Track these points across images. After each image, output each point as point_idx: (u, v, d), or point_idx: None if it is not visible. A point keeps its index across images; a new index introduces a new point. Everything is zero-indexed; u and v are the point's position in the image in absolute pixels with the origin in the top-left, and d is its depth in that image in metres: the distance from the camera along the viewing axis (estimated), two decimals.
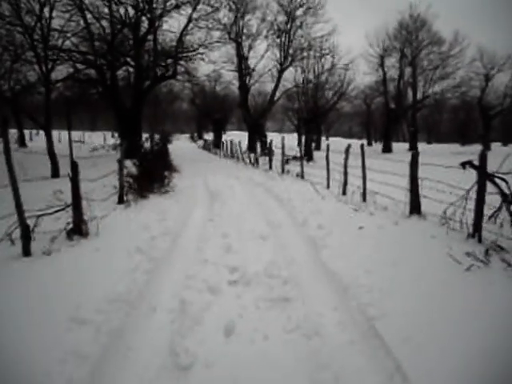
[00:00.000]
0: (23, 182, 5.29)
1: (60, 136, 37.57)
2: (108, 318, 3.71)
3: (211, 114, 46.18)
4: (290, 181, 12.73)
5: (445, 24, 45.28)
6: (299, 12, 31.04)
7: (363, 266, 4.82)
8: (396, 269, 4.68)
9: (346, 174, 9.74)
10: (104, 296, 4.08)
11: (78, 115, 36.95)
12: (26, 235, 5.11)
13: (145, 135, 22.53)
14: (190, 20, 24.45)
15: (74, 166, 6.09)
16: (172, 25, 32.73)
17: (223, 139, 39.56)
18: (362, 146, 9.07)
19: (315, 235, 6.27)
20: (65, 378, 2.89)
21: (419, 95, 38.04)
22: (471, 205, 5.57)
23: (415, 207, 6.95)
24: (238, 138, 32.44)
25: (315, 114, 28.41)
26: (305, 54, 30.36)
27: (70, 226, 6.00)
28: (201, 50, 24.88)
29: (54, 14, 19.23)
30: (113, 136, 53.36)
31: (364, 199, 8.63)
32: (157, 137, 15.65)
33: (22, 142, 35.39)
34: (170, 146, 22.18)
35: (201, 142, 50.49)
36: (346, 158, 9.83)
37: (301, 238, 6.36)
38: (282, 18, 31.21)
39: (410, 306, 3.81)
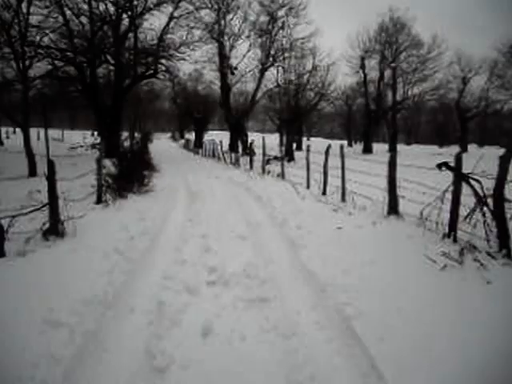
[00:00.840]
0: None
1: (38, 134, 36.94)
2: (83, 320, 3.65)
3: (192, 113, 45.97)
4: (270, 181, 12.77)
5: (424, 27, 46.10)
6: (281, 12, 31.19)
7: (341, 265, 4.86)
8: (373, 268, 4.73)
9: (325, 174, 9.81)
10: (79, 297, 4.01)
11: (57, 113, 36.37)
12: (0, 236, 5.00)
13: (125, 134, 22.31)
14: (171, 18, 24.33)
15: (51, 165, 5.99)
16: (153, 23, 32.36)
17: (204, 139, 39.47)
18: (341, 147, 9.15)
19: (294, 235, 6.29)
20: (37, 382, 2.83)
21: (399, 97, 38.64)
22: (447, 205, 5.67)
23: (393, 208, 7.04)
24: (219, 137, 32.37)
25: (296, 115, 28.55)
26: (286, 54, 30.51)
27: (46, 226, 5.89)
28: (182, 48, 24.74)
29: (32, 9, 18.86)
30: (92, 135, 52.67)
31: (343, 199, 8.70)
32: (137, 136, 15.49)
33: None
34: (150, 146, 22.00)
35: (182, 142, 50.25)
36: (326, 159, 9.90)
37: (280, 238, 6.38)
38: (264, 18, 31.34)
39: (386, 305, 3.86)
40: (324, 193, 9.66)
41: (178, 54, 24.87)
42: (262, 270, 4.88)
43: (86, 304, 3.93)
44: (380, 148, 39.34)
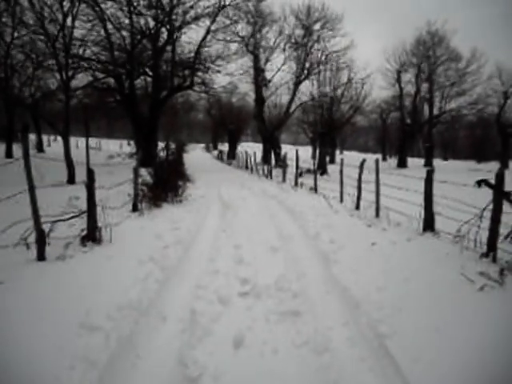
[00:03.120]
0: (39, 188, 5.38)
1: (77, 142, 38.18)
2: (118, 325, 3.73)
3: (226, 125, 46.53)
4: (303, 194, 12.72)
5: (462, 41, 45.28)
6: (317, 26, 31.30)
7: (375, 282, 4.78)
8: (408, 286, 4.63)
9: (359, 188, 9.70)
10: (115, 303, 4.10)
11: (95, 122, 37.49)
12: (41, 240, 5.19)
13: (161, 144, 22.76)
14: (208, 32, 24.78)
15: (90, 173, 6.17)
16: (190, 36, 33.16)
17: (238, 150, 39.79)
18: (376, 161, 9.04)
19: (327, 249, 6.24)
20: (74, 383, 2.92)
21: (435, 111, 37.87)
22: (486, 224, 5.50)
23: (429, 224, 6.88)
24: (252, 149, 32.57)
25: (330, 128, 28.39)
26: (321, 67, 30.48)
27: (84, 232, 6.07)
28: (218, 61, 25.15)
29: (77, 23, 19.69)
30: (129, 144, 53.99)
31: (377, 214, 8.57)
32: (172, 146, 15.77)
33: (40, 147, 36.01)
34: (185, 156, 22.34)
35: (215, 153, 50.82)
36: (361, 173, 9.80)
37: (312, 251, 6.33)
38: (299, 31, 31.50)
39: (422, 324, 3.76)
40: (357, 207, 9.55)
41: (214, 67, 25.31)
42: (294, 283, 4.86)
43: (121, 310, 4.01)
44: (415, 163, 38.58)
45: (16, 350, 3.21)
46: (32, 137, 41.23)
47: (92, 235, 6.03)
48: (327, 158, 30.31)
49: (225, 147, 50.44)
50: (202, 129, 61.00)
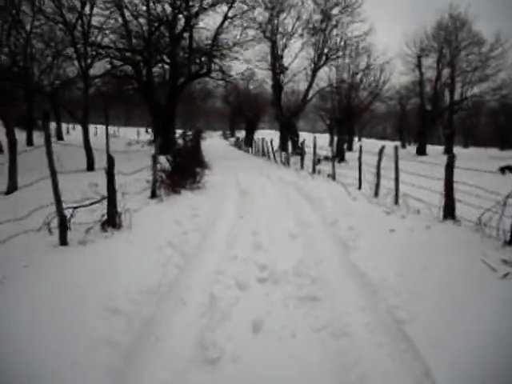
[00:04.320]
0: (60, 174, 5.47)
1: (96, 130, 38.60)
2: (139, 309, 3.81)
3: (244, 112, 46.41)
4: (321, 181, 12.66)
5: (486, 25, 43.97)
6: (335, 11, 30.74)
7: (393, 268, 4.76)
8: (427, 272, 4.59)
9: (378, 175, 9.61)
10: (136, 287, 4.18)
11: (113, 110, 37.76)
12: (64, 225, 5.28)
13: (178, 131, 22.86)
14: (225, 18, 24.60)
15: (110, 160, 6.25)
16: (207, 23, 32.75)
17: (255, 137, 39.73)
18: (395, 148, 8.92)
19: (345, 236, 6.23)
20: (99, 364, 2.99)
21: (457, 97, 37.06)
22: (510, 211, 5.40)
23: (449, 212, 6.79)
24: (269, 136, 32.48)
25: (348, 115, 28.11)
26: (340, 53, 30.07)
27: (105, 217, 6.16)
28: (235, 48, 24.98)
29: (94, 11, 19.77)
30: (146, 131, 54.37)
31: (396, 202, 8.49)
32: (190, 133, 15.85)
33: (59, 135, 36.49)
34: (202, 143, 22.43)
35: (233, 140, 50.82)
36: (380, 160, 9.69)
37: (331, 238, 6.33)
38: (317, 16, 30.99)
39: (441, 310, 3.74)
40: (376, 194, 9.46)
41: (232, 54, 25.18)
42: (312, 269, 4.87)
43: (142, 294, 4.09)
44: (435, 150, 37.96)
45: (41, 331, 3.30)
46: (51, 125, 41.82)
47: (112, 221, 6.12)
48: (345, 145, 30.05)
49: (242, 134, 50.39)
50: (219, 116, 60.89)
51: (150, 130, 49.87)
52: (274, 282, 4.56)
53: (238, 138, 47.06)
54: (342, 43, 30.13)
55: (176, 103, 26.09)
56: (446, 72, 36.56)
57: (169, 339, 3.46)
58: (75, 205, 5.99)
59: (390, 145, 12.04)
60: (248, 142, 41.37)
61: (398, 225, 6.62)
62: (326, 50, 30.99)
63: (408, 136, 55.00)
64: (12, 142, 10.92)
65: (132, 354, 3.21)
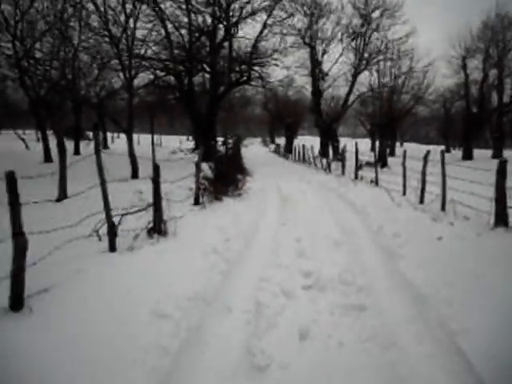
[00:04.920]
0: (107, 182, 5.64)
1: (139, 139, 39.67)
2: (186, 315, 3.87)
3: (283, 119, 46.46)
4: (363, 187, 12.47)
5: None
6: (375, 14, 30.31)
7: (443, 277, 4.62)
8: (478, 282, 4.42)
9: (424, 181, 9.35)
10: (182, 293, 4.26)
11: (156, 119, 38.75)
12: (112, 232, 5.46)
13: (219, 139, 23.16)
14: (264, 26, 24.81)
15: (156, 168, 6.40)
16: (247, 31, 33.17)
17: (295, 144, 39.64)
18: (442, 153, 8.67)
19: (391, 243, 6.10)
20: (148, 367, 3.06)
21: (506, 98, 35.55)
22: None
23: (501, 219, 6.51)
24: (309, 142, 32.32)
25: (390, 119, 27.56)
26: (381, 57, 29.57)
27: (151, 224, 6.31)
28: (275, 55, 25.12)
29: (138, 24, 20.45)
30: (188, 139, 55.44)
31: (443, 208, 8.23)
32: (230, 141, 16.02)
33: (104, 144, 37.81)
34: (242, 150, 22.61)
35: (272, 147, 50.93)
36: (425, 165, 9.43)
37: (376, 245, 6.21)
38: (357, 20, 30.67)
39: (496, 322, 3.59)
40: (421, 201, 9.21)
41: (271, 61, 25.32)
42: (358, 277, 4.79)
43: (189, 300, 4.16)
44: (482, 154, 36.51)
45: (92, 333, 3.41)
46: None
47: (158, 227, 6.26)
48: (387, 151, 29.46)
49: (281, 141, 50.42)
50: (258, 123, 61.25)
51: (191, 138, 50.90)
52: (320, 289, 4.51)
53: (277, 145, 47.10)
54: (383, 46, 29.65)
55: (216, 111, 26.48)
56: (492, 73, 35.18)
57: (216, 345, 3.49)
58: (122, 212, 6.17)
59: (433, 149, 11.72)
60: (288, 148, 41.35)
61: (446, 232, 6.42)
62: (366, 54, 30.61)
63: (453, 140, 53.21)
64: (62, 152, 11.40)
65: (180, 359, 3.26)
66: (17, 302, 3.78)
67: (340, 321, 3.83)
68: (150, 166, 8.00)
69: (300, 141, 43.84)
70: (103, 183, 5.38)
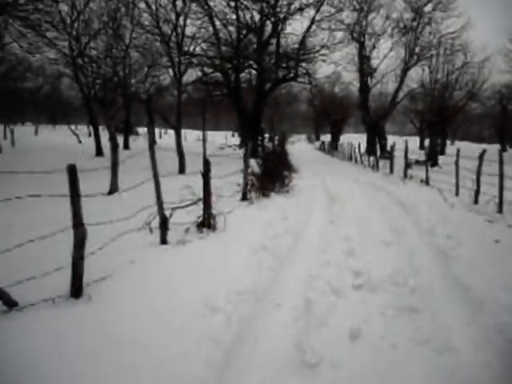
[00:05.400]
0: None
1: (185, 135, 40.41)
2: (237, 309, 3.92)
3: (329, 115, 45.96)
4: (413, 186, 12.12)
5: None
6: (428, 8, 29.27)
7: (501, 282, 4.42)
8: None
9: (478, 181, 8.98)
10: (233, 287, 4.31)
11: (203, 115, 39.28)
12: (164, 225, 5.60)
13: (266, 135, 23.20)
14: (312, 22, 24.58)
15: (207, 164, 6.50)
16: (295, 27, 32.79)
17: (340, 141, 39.13)
18: (500, 152, 8.29)
19: (444, 245, 5.90)
20: (202, 358, 3.12)
21: None
22: None
23: None
24: (355, 140, 31.80)
25: (441, 116, 26.61)
26: (433, 51, 28.57)
27: (200, 219, 6.42)
28: (322, 51, 24.84)
29: (187, 22, 20.79)
30: (233, 136, 55.93)
31: (500, 210, 7.87)
32: (276, 137, 16.02)
33: (152, 139, 38.78)
34: (288, 147, 22.56)
35: (317, 144, 50.53)
36: (480, 164, 9.06)
37: (428, 246, 6.02)
38: (408, 15, 29.76)
39: None
40: (476, 202, 8.85)
41: (319, 57, 25.07)
42: (410, 279, 4.67)
43: (239, 294, 4.20)
44: None
45: (146, 322, 3.52)
46: (144, 130, 44.65)
47: (207, 222, 6.37)
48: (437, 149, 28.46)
49: (327, 138, 49.90)
50: (303, 120, 60.90)
51: (236, 135, 51.36)
52: (370, 289, 4.44)
53: (323, 142, 46.65)
54: (436, 41, 28.62)
55: (263, 108, 26.53)
56: None
57: (266, 340, 3.50)
58: (173, 206, 6.31)
59: (488, 148, 11.23)
60: (333, 145, 40.85)
61: (504, 235, 6.14)
62: (417, 49, 29.69)
63: (509, 138, 50.65)
64: (114, 147, 11.79)
65: (232, 351, 3.30)
66: (77, 289, 3.96)
67: (392, 322, 3.75)
68: (197, 162, 8.15)
69: (345, 138, 43.27)
70: (156, 177, 5.52)
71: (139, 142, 40.28)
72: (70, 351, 3.06)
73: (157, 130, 45.19)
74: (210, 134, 51.00)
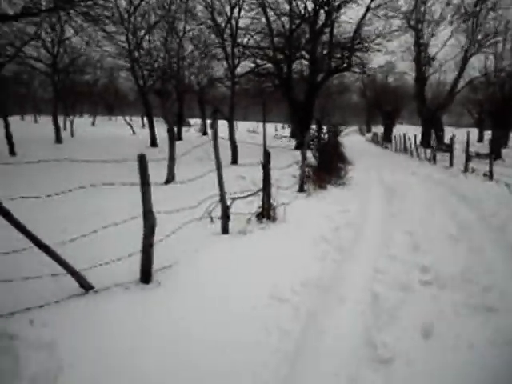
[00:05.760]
0: (209, 167, 5.82)
1: (237, 125, 40.74)
2: (304, 300, 3.90)
3: (382, 106, 44.75)
4: (475, 180, 11.57)
5: None
6: None
7: None
8: None
9: None
10: (297, 278, 4.29)
11: (253, 107, 39.46)
12: (226, 215, 5.66)
13: (313, 127, 22.94)
14: (368, 9, 23.91)
15: (267, 155, 6.50)
16: (349, 16, 31.89)
17: (394, 133, 38.04)
18: None
19: None
20: (273, 347, 3.14)
21: None
22: None
23: None
24: (408, 131, 30.80)
25: (505, 107, 25.15)
26: (498, 38, 27.00)
27: (260, 210, 6.44)
28: (378, 40, 24.13)
29: (241, 13, 20.83)
30: (283, 127, 55.75)
31: None
32: (326, 129, 15.76)
33: (204, 130, 39.44)
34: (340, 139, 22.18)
35: (369, 135, 49.42)
36: None
37: (499, 243, 5.71)
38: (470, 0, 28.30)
39: None
40: None
41: (374, 46, 24.40)
42: (482, 277, 4.46)
43: (304, 285, 4.19)
44: None
45: (214, 309, 3.58)
46: (197, 121, 45.45)
47: (267, 213, 6.38)
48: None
49: (379, 130, 48.67)
50: (354, 111, 59.66)
51: (286, 126, 51.17)
52: (440, 286, 4.27)
53: (374, 134, 45.52)
54: (502, 26, 26.99)
55: (314, 99, 26.20)
56: None
57: (334, 332, 3.47)
58: (234, 196, 6.37)
59: None
60: (386, 137, 39.77)
61: None
62: (479, 36, 28.19)
63: None
64: (171, 138, 12.05)
65: (301, 342, 3.29)
66: (146, 275, 4.08)
67: (467, 321, 3.59)
68: (248, 153, 8.13)
69: (398, 130, 42.01)
70: (219, 168, 5.58)
71: (190, 132, 41.11)
72: (144, 333, 3.17)
73: (208, 122, 45.85)
74: (260, 125, 51.14)
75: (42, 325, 3.19)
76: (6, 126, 17.77)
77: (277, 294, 3.92)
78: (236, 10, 20.04)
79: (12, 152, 17.43)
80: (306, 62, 26.87)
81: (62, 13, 17.19)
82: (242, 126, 49.12)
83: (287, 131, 45.52)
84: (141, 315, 3.42)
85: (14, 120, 18.85)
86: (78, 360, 2.84)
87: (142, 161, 4.12)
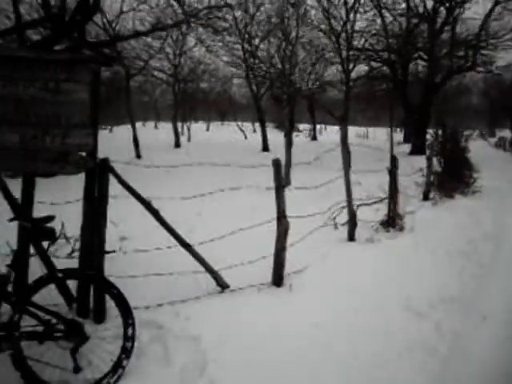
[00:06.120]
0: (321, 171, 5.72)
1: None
2: (445, 317, 3.67)
3: (508, 109, 40.75)
4: None
5: None
6: None
7: None
8: None
9: None
10: (434, 294, 4.07)
11: (363, 112, 38.51)
12: (353, 222, 5.58)
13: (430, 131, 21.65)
14: (496, 3, 21.89)
15: (394, 160, 6.28)
16: (474, 11, 29.34)
17: None
18: None
19: None
20: (416, 365, 2.99)
21: None
22: None
23: None
24: None
25: None
26: None
27: (385, 217, 6.23)
28: (509, 35, 21.99)
29: (357, 17, 20.48)
30: (396, 131, 53.50)
31: None
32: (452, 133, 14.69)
33: (313, 135, 39.37)
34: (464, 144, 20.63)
35: (493, 140, 45.35)
36: None
37: None
38: None
39: None
40: None
41: (504, 43, 22.29)
42: None
43: (443, 302, 3.95)
44: None
45: (346, 318, 3.52)
46: (306, 126, 45.61)
47: (393, 221, 6.15)
48: None
49: (505, 134, 44.36)
50: (474, 113, 55.12)
51: (398, 130, 49.14)
52: None
53: (501, 138, 41.53)
54: None
55: (432, 101, 24.72)
56: None
57: (479, 355, 3.20)
58: (359, 203, 6.24)
59: None
60: None
61: None
62: None
63: None
64: (289, 142, 12.27)
65: (448, 362, 3.09)
66: (278, 279, 4.18)
67: None
68: (360, 158, 7.87)
69: None
70: (347, 174, 5.52)
71: (300, 138, 41.38)
72: (279, 334, 3.23)
73: (317, 127, 45.72)
74: (370, 130, 49.81)
75: (185, 318, 3.43)
76: (134, 132, 19.57)
77: (412, 307, 3.77)
78: (352, 14, 19.76)
79: (138, 156, 19.13)
80: (422, 63, 25.50)
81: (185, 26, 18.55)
82: (350, 131, 48.14)
83: (399, 136, 43.65)
84: (275, 316, 3.49)
85: (137, 126, 20.84)
86: (220, 354, 2.98)
87: (277, 165, 4.23)
